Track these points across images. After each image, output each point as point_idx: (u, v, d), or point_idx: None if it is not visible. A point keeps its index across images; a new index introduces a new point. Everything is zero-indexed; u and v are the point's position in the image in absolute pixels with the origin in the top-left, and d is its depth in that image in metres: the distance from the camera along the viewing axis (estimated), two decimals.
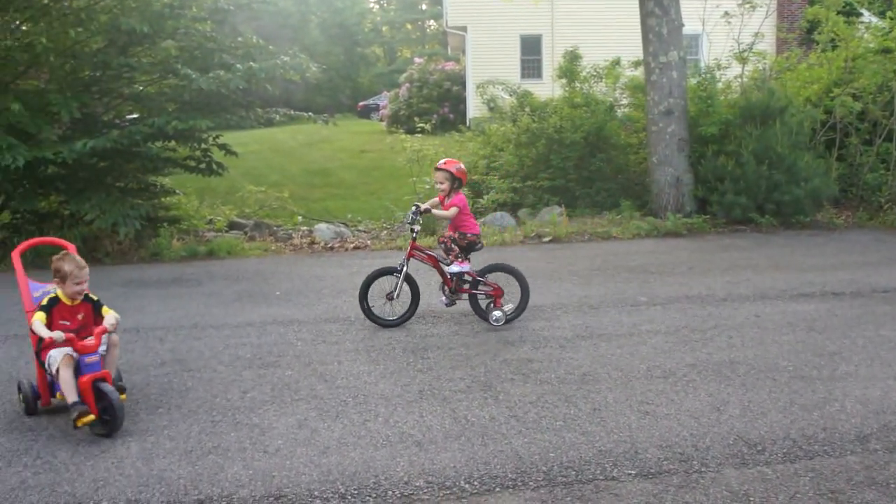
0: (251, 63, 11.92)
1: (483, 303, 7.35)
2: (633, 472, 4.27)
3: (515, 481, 4.19)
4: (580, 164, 14.15)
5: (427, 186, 13.91)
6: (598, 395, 5.43)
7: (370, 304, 7.30)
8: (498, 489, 4.12)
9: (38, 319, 4.95)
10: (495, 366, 6.11)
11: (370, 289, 7.28)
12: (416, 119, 20.10)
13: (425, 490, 4.12)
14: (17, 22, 12.40)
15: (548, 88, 20.05)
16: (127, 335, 7.22)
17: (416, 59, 35.29)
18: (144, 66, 12.29)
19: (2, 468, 4.53)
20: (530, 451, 4.53)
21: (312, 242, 12.51)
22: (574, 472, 4.27)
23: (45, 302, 5.08)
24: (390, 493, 4.10)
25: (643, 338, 6.81)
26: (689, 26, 13.67)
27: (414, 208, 7.17)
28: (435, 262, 7.28)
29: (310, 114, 14.34)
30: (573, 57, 15.05)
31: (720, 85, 14.36)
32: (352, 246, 12.14)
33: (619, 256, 10.61)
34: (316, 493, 4.12)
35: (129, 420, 5.17)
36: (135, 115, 14.12)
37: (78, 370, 4.90)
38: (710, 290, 8.50)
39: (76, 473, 4.43)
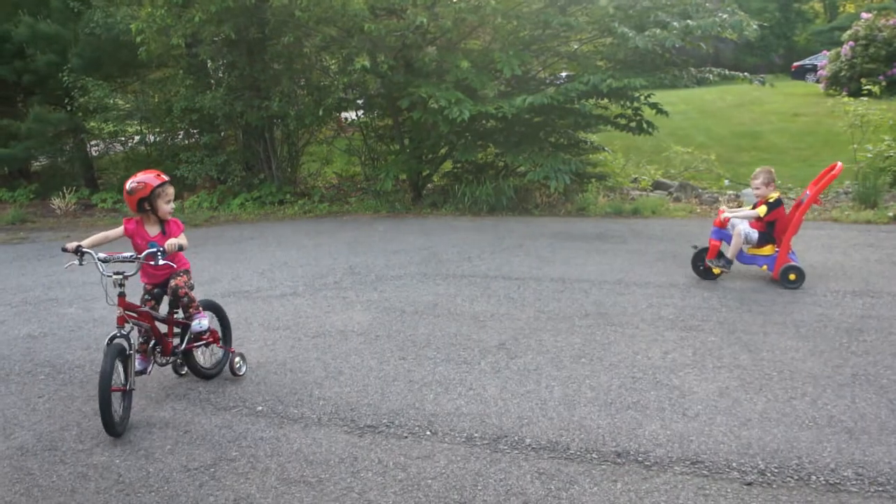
0: (688, 21, 11.64)
1: (206, 354, 5.69)
2: None
3: None
4: None
5: (869, 155, 12.66)
6: None
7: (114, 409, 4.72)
8: None
9: None
10: None
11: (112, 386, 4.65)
12: (863, 80, 18.44)
13: (854, 482, 3.79)
14: None
15: None
16: (553, 284, 7.54)
17: (863, 15, 32.24)
18: (581, 24, 12.50)
19: (440, 393, 4.98)
20: None
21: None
22: None
23: None
24: (814, 477, 3.84)
25: None
26: None
27: (89, 253, 4.90)
28: (150, 320, 5.15)
29: (745, 74, 13.70)
30: None
31: None
32: None
33: None
34: (734, 464, 3.98)
35: (554, 366, 5.39)
36: (566, 73, 14.55)
37: None
38: None
39: (503, 409, 4.71)
